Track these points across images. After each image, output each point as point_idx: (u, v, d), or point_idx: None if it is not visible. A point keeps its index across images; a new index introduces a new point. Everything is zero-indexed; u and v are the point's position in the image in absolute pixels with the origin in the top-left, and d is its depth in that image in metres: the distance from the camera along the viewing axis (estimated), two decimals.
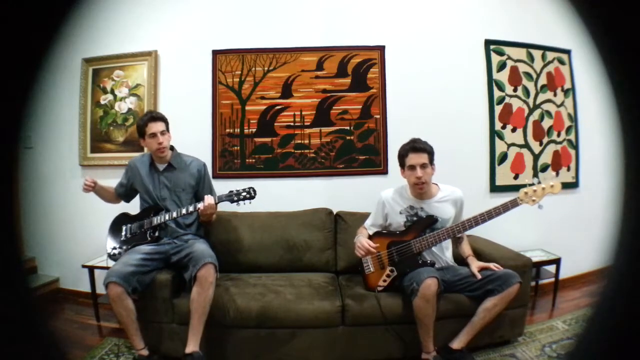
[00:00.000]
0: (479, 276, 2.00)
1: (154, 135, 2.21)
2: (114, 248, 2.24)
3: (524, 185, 2.00)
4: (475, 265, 2.07)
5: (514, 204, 1.95)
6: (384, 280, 2.11)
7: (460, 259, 2.22)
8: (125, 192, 2.40)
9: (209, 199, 2.12)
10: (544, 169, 3.06)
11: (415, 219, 2.14)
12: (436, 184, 2.21)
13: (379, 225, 2.25)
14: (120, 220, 2.32)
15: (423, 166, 2.05)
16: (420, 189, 2.10)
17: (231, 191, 2.17)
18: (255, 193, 2.16)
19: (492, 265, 2.04)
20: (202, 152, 2.73)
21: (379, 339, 2.07)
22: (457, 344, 2.00)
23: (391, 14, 2.93)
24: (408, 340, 2.05)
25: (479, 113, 2.97)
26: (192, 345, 1.90)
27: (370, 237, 2.21)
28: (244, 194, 2.15)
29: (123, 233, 2.26)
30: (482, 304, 1.98)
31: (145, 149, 2.40)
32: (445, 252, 2.20)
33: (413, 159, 2.06)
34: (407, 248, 2.09)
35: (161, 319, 2.07)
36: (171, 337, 2.07)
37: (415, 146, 2.07)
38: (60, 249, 3.02)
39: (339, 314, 2.05)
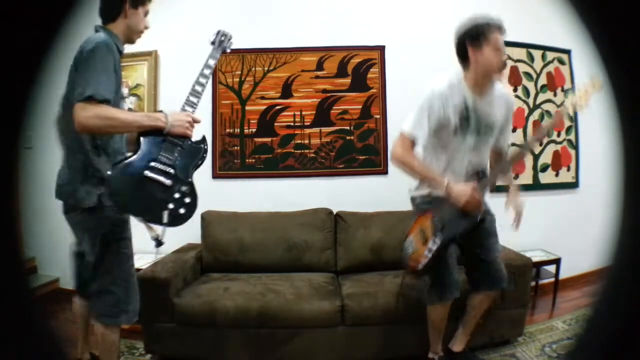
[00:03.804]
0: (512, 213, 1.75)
1: (147, 13, 1.55)
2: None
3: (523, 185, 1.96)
4: (513, 201, 1.80)
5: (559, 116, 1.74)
6: (425, 257, 1.74)
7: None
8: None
9: None
10: (544, 168, 3.05)
11: (464, 121, 1.72)
12: None
13: (426, 132, 1.72)
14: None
15: None
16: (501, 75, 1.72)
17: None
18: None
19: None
20: None
21: (379, 339, 2.07)
22: (457, 346, 1.97)
23: (391, 14, 2.93)
24: (408, 340, 2.05)
25: None
26: None
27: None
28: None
29: None
30: (469, 301, 1.92)
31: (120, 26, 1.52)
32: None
33: (499, 39, 1.64)
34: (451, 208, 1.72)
35: (161, 319, 2.07)
36: (171, 337, 2.07)
37: (501, 25, 1.67)
38: (60, 249, 3.00)
39: (339, 314, 2.05)
